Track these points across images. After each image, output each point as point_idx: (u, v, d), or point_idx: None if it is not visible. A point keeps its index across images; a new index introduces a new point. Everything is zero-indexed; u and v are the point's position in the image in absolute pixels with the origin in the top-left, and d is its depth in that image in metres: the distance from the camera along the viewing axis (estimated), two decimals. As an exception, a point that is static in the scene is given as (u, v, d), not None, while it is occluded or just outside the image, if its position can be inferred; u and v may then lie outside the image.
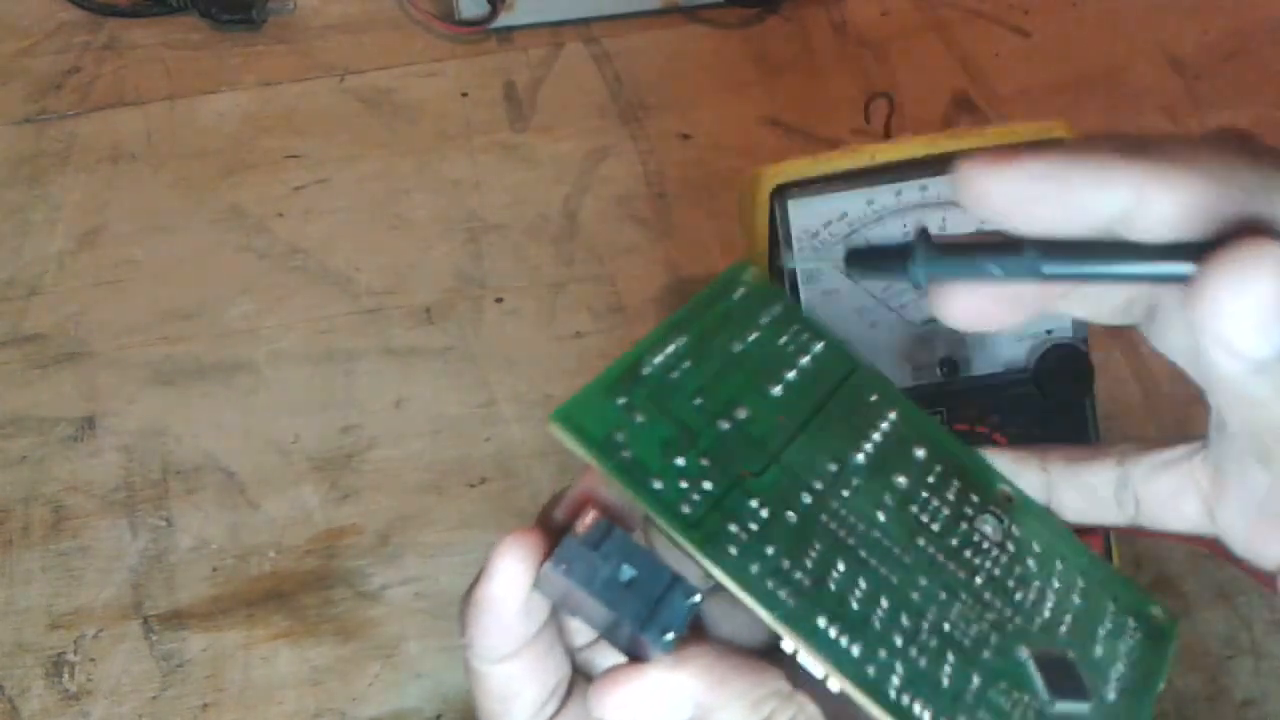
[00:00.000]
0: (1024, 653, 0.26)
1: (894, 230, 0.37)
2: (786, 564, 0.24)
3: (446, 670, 0.39)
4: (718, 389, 0.26)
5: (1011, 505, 0.28)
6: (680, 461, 0.25)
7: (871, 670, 0.24)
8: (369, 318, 0.44)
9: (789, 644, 0.24)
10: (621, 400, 0.25)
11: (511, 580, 0.24)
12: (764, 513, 0.25)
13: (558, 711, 0.26)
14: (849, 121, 0.49)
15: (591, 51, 0.50)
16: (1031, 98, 0.50)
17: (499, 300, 0.45)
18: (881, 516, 0.26)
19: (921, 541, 0.26)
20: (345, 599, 0.40)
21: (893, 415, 0.28)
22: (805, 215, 0.37)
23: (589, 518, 0.24)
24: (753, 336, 0.28)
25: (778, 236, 0.37)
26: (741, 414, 0.26)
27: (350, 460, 0.42)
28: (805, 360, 0.28)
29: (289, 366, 0.43)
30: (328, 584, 0.40)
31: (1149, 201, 0.20)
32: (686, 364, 0.26)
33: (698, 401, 0.26)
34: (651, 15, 0.51)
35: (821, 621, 0.24)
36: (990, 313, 0.24)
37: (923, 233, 0.24)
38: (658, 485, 0.24)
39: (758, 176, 0.37)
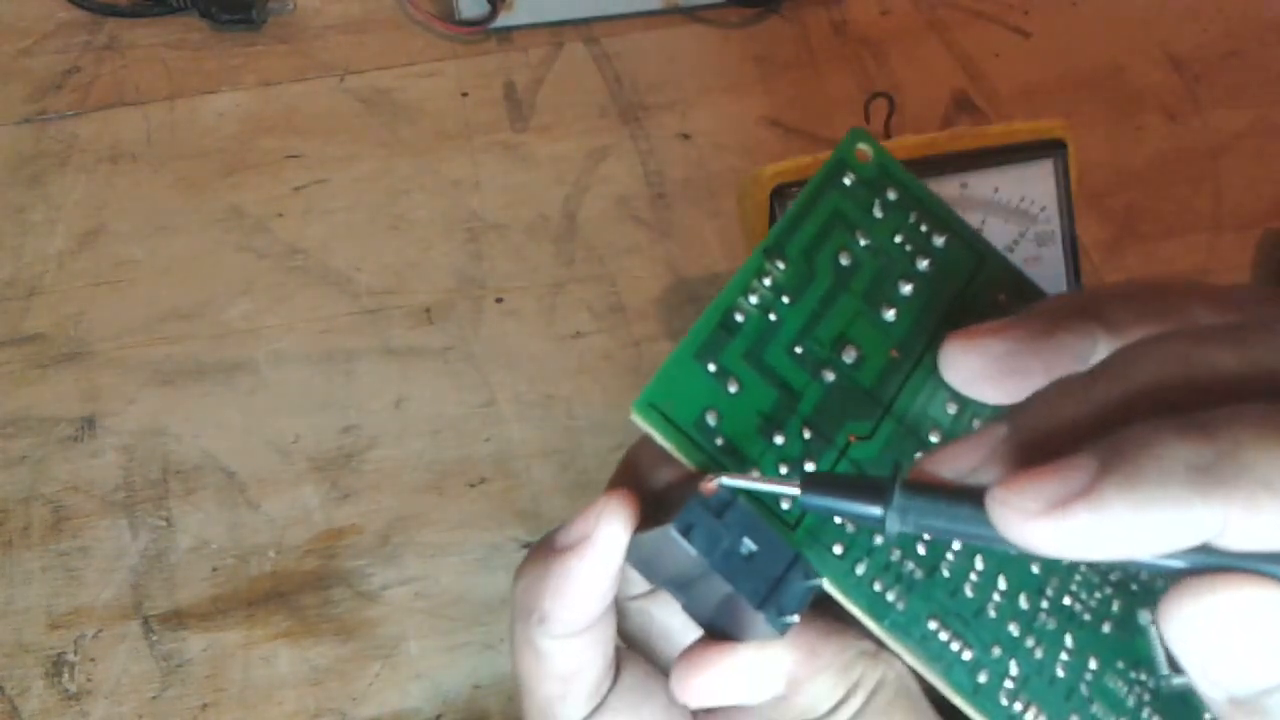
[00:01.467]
0: (1146, 617, 0.24)
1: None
2: (896, 554, 0.23)
3: (446, 670, 0.39)
4: (823, 325, 0.24)
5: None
6: (779, 440, 0.23)
7: (984, 677, 0.23)
8: (369, 318, 0.44)
9: (895, 647, 0.22)
10: (713, 366, 0.23)
11: (613, 545, 0.22)
12: None
13: (612, 686, 0.24)
14: (849, 121, 0.49)
15: (591, 51, 0.50)
16: (1031, 98, 0.50)
17: (499, 300, 0.45)
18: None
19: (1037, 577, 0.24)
20: (345, 599, 0.40)
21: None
22: (805, 215, 0.37)
23: (714, 481, 0.21)
24: (864, 242, 0.25)
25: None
26: (849, 356, 0.24)
27: (350, 460, 0.42)
28: (924, 264, 0.25)
29: (289, 366, 0.43)
30: (328, 584, 0.40)
31: (1233, 528, 0.17)
32: (786, 299, 0.24)
33: (799, 349, 0.23)
34: (651, 15, 0.51)
35: (933, 625, 0.22)
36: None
37: (898, 473, 0.20)
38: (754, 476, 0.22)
39: (758, 176, 0.37)
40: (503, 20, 0.50)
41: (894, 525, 0.20)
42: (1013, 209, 0.38)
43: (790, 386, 0.23)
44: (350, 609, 0.40)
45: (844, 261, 0.24)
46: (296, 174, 0.47)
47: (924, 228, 0.25)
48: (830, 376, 0.24)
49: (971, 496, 0.19)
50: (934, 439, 0.24)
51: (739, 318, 0.23)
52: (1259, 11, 0.53)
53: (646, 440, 0.23)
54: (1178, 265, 0.47)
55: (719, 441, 0.22)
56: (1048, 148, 0.38)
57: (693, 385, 0.23)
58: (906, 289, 0.25)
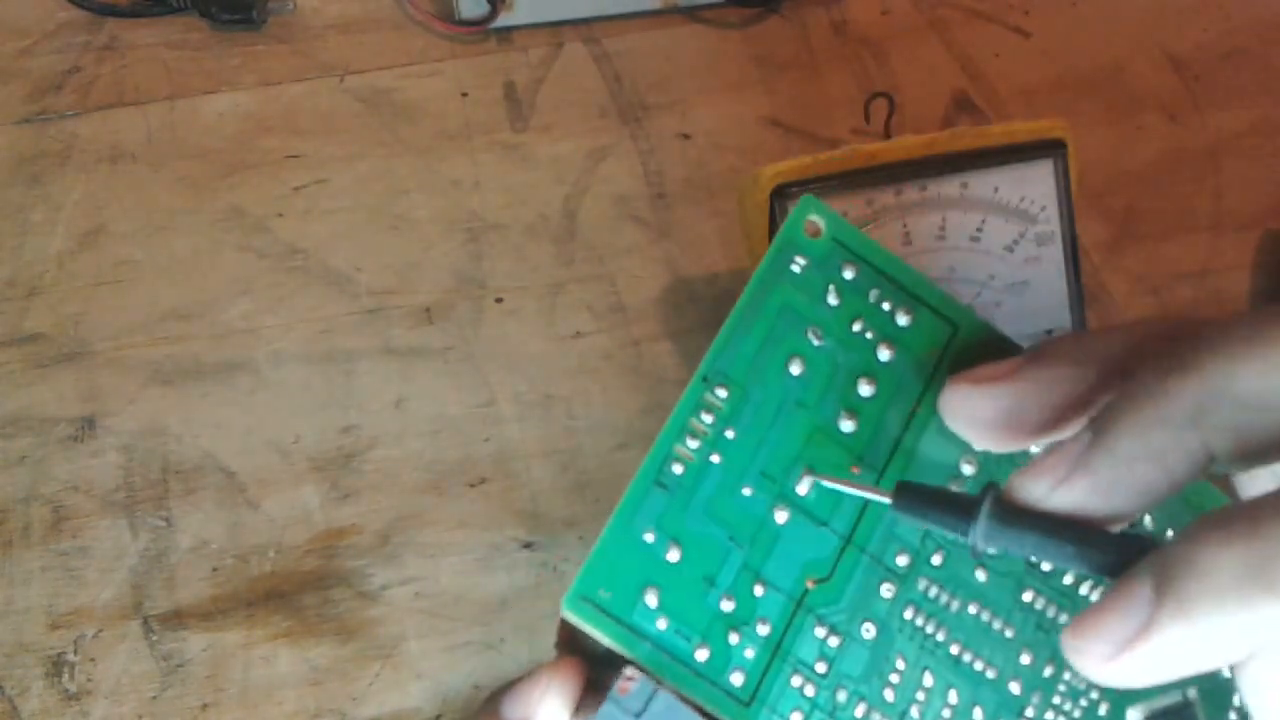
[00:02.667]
0: (1136, 715, 0.23)
1: (894, 231, 0.37)
2: (861, 710, 0.21)
3: (446, 670, 0.39)
4: (774, 455, 0.22)
5: None
6: (729, 606, 0.21)
7: None
8: (369, 318, 0.44)
9: None
10: (650, 536, 0.21)
11: None
12: (833, 642, 0.22)
13: None
14: (849, 121, 0.49)
15: (591, 51, 0.50)
16: (1031, 98, 0.50)
17: (499, 300, 0.45)
18: (981, 577, 0.23)
19: (1029, 595, 0.23)
20: (345, 599, 0.40)
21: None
22: (805, 215, 0.37)
23: (633, 680, 0.21)
24: (817, 342, 0.23)
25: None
26: (804, 487, 0.22)
27: (350, 460, 0.42)
28: (886, 355, 0.23)
29: (289, 366, 0.43)
30: (328, 584, 0.40)
31: None
32: (730, 433, 0.22)
33: (748, 490, 0.22)
34: (651, 15, 0.51)
35: None
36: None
37: (993, 492, 0.20)
38: (701, 657, 0.21)
39: (758, 176, 0.37)
40: (503, 20, 0.50)
41: (980, 545, 0.20)
42: (1013, 209, 0.38)
43: (738, 539, 0.22)
44: (350, 609, 0.40)
45: (795, 371, 0.22)
46: (296, 174, 0.47)
47: (886, 305, 0.23)
48: (783, 517, 0.22)
49: (1054, 525, 0.19)
50: (901, 562, 0.22)
51: (677, 470, 0.22)
52: (1259, 11, 0.53)
53: None
54: (1178, 265, 0.47)
55: (661, 624, 0.21)
56: (1048, 148, 0.38)
57: (628, 565, 0.21)
58: (867, 390, 0.23)
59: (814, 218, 0.23)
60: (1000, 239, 0.38)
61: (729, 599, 0.21)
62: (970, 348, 0.24)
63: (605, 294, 0.45)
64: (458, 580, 0.40)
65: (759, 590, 0.21)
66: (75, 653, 0.39)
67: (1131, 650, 0.18)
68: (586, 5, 0.50)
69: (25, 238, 0.45)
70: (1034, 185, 0.38)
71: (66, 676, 0.38)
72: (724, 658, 0.21)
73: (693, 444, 0.22)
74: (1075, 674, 0.23)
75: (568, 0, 0.50)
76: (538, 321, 0.45)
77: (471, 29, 0.50)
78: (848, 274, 0.23)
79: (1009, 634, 0.23)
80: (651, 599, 0.21)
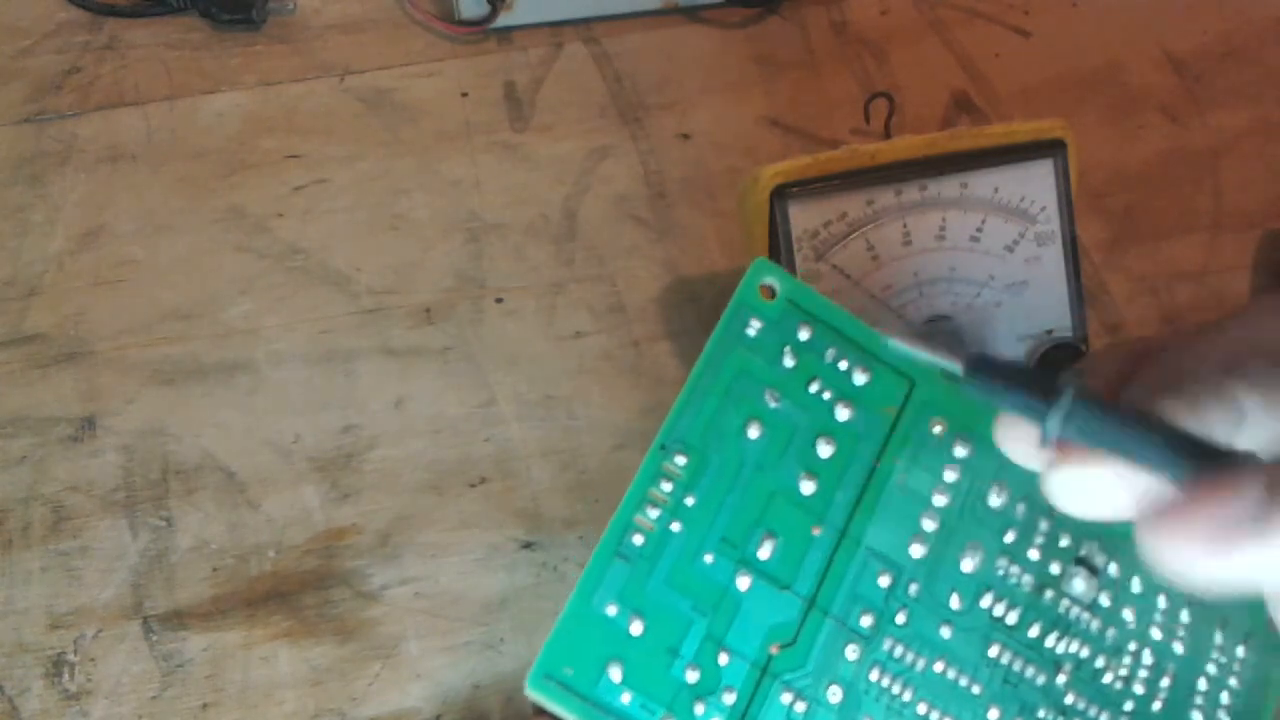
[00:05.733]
0: None
1: (894, 231, 0.37)
2: None
3: (446, 670, 0.39)
4: (735, 520, 0.22)
5: (1105, 529, 0.24)
6: (693, 676, 0.21)
7: None
8: (369, 318, 0.44)
9: None
10: (613, 609, 0.21)
11: None
12: (799, 708, 0.21)
13: None
14: (849, 121, 0.49)
15: (591, 51, 0.50)
16: (1031, 98, 0.50)
17: (499, 300, 0.45)
18: (946, 634, 0.22)
19: (995, 650, 0.23)
20: (345, 599, 0.40)
21: (961, 450, 0.23)
22: (805, 215, 0.37)
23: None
24: (774, 405, 0.23)
25: (778, 237, 0.37)
26: (766, 551, 0.22)
27: (350, 460, 0.42)
28: (845, 415, 0.23)
29: (289, 366, 0.43)
30: (328, 584, 0.40)
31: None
32: (690, 500, 0.22)
33: (708, 559, 0.22)
34: (651, 15, 0.51)
35: None
36: (1109, 501, 0.19)
37: (1079, 384, 0.19)
38: None
39: (758, 176, 0.37)
40: (503, 20, 0.50)
41: (1055, 428, 0.18)
42: (1013, 209, 0.38)
43: (701, 608, 0.21)
44: (350, 609, 0.40)
45: (753, 434, 0.22)
46: (296, 174, 0.47)
47: (843, 365, 0.23)
48: (745, 583, 0.22)
49: (1137, 420, 0.18)
50: (865, 623, 0.22)
51: (637, 540, 0.21)
52: (1259, 11, 0.53)
53: None
54: (1178, 265, 0.47)
55: (625, 698, 0.21)
56: (1048, 148, 0.38)
57: (590, 640, 0.21)
58: (826, 451, 0.23)
59: (768, 280, 0.23)
60: (1000, 239, 0.38)
61: (694, 669, 0.21)
62: (930, 402, 0.23)
63: (605, 294, 0.45)
64: (458, 580, 0.40)
65: (723, 659, 0.21)
66: (75, 653, 0.39)
67: (1244, 541, 0.16)
68: (586, 5, 0.50)
69: (25, 238, 0.45)
70: (1034, 185, 0.38)
71: (66, 676, 0.38)
72: None
73: (653, 513, 0.22)
74: None
75: (568, 0, 0.50)
76: (538, 321, 0.45)
77: (471, 29, 0.50)
78: (803, 335, 0.23)
79: (976, 690, 0.22)
80: (615, 673, 0.21)
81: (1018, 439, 0.20)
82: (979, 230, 0.38)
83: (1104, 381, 0.20)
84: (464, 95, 0.49)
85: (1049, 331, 0.38)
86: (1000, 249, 0.38)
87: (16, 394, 0.42)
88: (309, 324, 0.44)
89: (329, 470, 0.42)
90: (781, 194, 0.36)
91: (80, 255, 0.45)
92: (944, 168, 0.37)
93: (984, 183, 0.37)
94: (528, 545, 0.41)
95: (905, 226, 0.37)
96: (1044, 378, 0.19)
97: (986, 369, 0.19)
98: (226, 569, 0.40)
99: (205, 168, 0.47)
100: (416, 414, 0.43)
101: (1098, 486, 0.19)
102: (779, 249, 0.37)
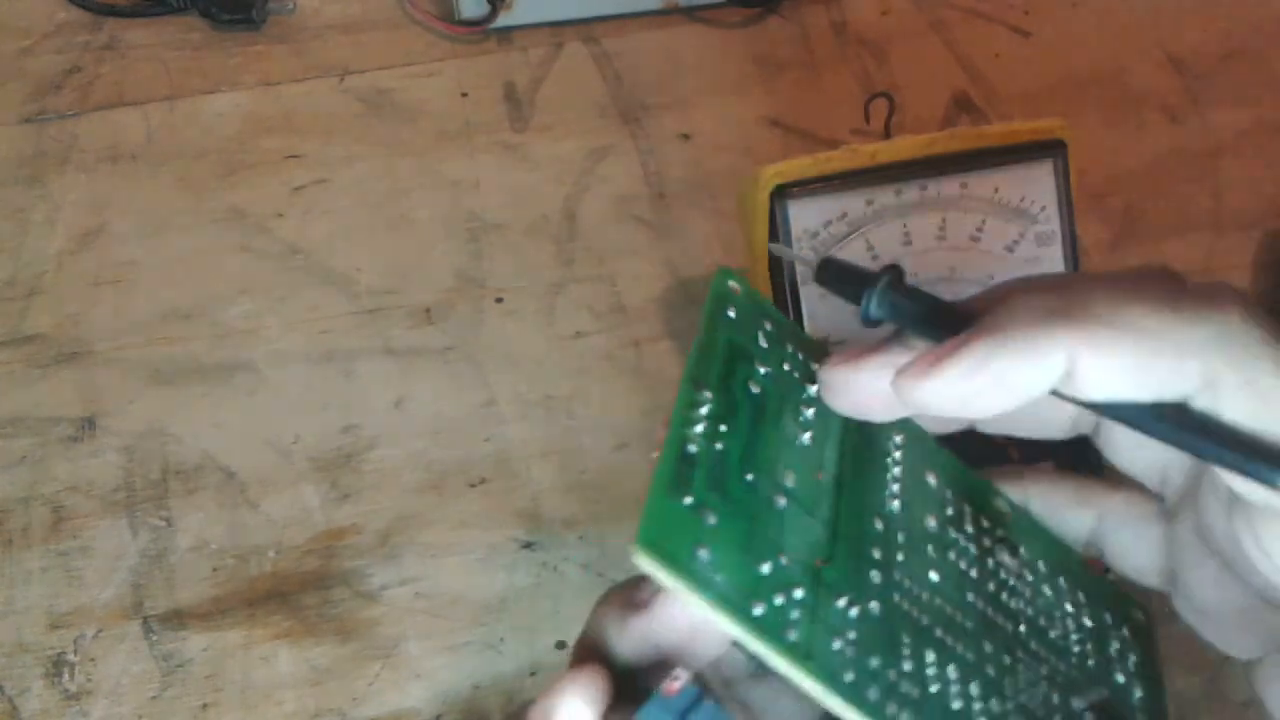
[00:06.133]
0: (1080, 704, 0.25)
1: (894, 231, 0.37)
2: (893, 675, 0.22)
3: (446, 670, 0.39)
4: (759, 452, 0.23)
5: (1009, 521, 0.26)
6: (766, 568, 0.22)
7: None
8: (369, 318, 0.44)
9: None
10: (688, 500, 0.22)
11: None
12: (853, 613, 0.23)
13: None
14: (849, 121, 0.49)
15: (591, 51, 0.50)
16: (1031, 98, 0.50)
17: (499, 300, 0.45)
18: (934, 576, 0.24)
19: (970, 596, 0.25)
20: (345, 599, 0.40)
21: (898, 436, 0.26)
22: (805, 215, 0.37)
23: (680, 680, 0.21)
24: (763, 370, 0.25)
25: (778, 237, 0.37)
26: (790, 481, 0.23)
27: (350, 460, 0.42)
28: (812, 389, 0.25)
29: (289, 366, 0.43)
30: (328, 584, 0.40)
31: (1082, 366, 0.20)
32: (723, 426, 0.23)
33: (749, 477, 0.23)
34: (651, 15, 0.51)
35: None
36: (884, 405, 0.23)
37: (892, 268, 0.23)
38: (758, 611, 0.21)
39: (758, 176, 0.37)
40: (503, 20, 0.50)
41: (872, 308, 0.23)
42: (1013, 209, 0.38)
43: (756, 516, 0.23)
44: (350, 609, 0.40)
45: (754, 390, 0.24)
46: (296, 174, 0.47)
47: (801, 355, 0.26)
48: (782, 502, 0.23)
49: (931, 301, 0.23)
50: (877, 555, 0.24)
51: (693, 449, 0.23)
52: (1259, 11, 0.53)
53: (605, 615, 0.23)
54: (1178, 265, 0.47)
55: (719, 579, 0.21)
56: (1048, 148, 0.38)
57: (680, 521, 0.21)
58: (808, 412, 0.25)
59: (732, 283, 0.26)
60: (1000, 239, 0.38)
61: (765, 562, 0.22)
62: None
63: (605, 294, 0.45)
64: (458, 580, 0.40)
65: (784, 560, 0.22)
66: (75, 653, 0.39)
67: (940, 366, 0.21)
68: (586, 5, 0.50)
69: (25, 238, 0.45)
70: (1034, 185, 0.38)
71: (66, 676, 0.38)
72: (777, 618, 0.21)
73: (697, 429, 0.23)
74: (1026, 666, 0.25)
75: (568, 0, 0.50)
76: (538, 321, 0.45)
77: (471, 29, 0.50)
78: (767, 326, 0.26)
79: (969, 625, 0.24)
80: (704, 553, 0.21)
81: (848, 392, 0.24)
82: (979, 230, 0.38)
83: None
84: (464, 95, 0.49)
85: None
86: (1000, 249, 0.38)
87: (16, 394, 0.42)
88: (309, 324, 0.44)
89: (329, 470, 0.42)
90: (781, 194, 0.36)
91: (80, 255, 0.45)
92: (944, 168, 0.37)
93: (984, 183, 0.37)
94: (528, 545, 0.41)
95: (905, 226, 0.37)
96: (866, 276, 0.23)
97: (826, 269, 0.24)
98: (226, 569, 0.40)
99: (205, 168, 0.47)
100: (416, 414, 0.43)
101: (858, 383, 0.23)
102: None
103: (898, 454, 0.26)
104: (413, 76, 0.49)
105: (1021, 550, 0.26)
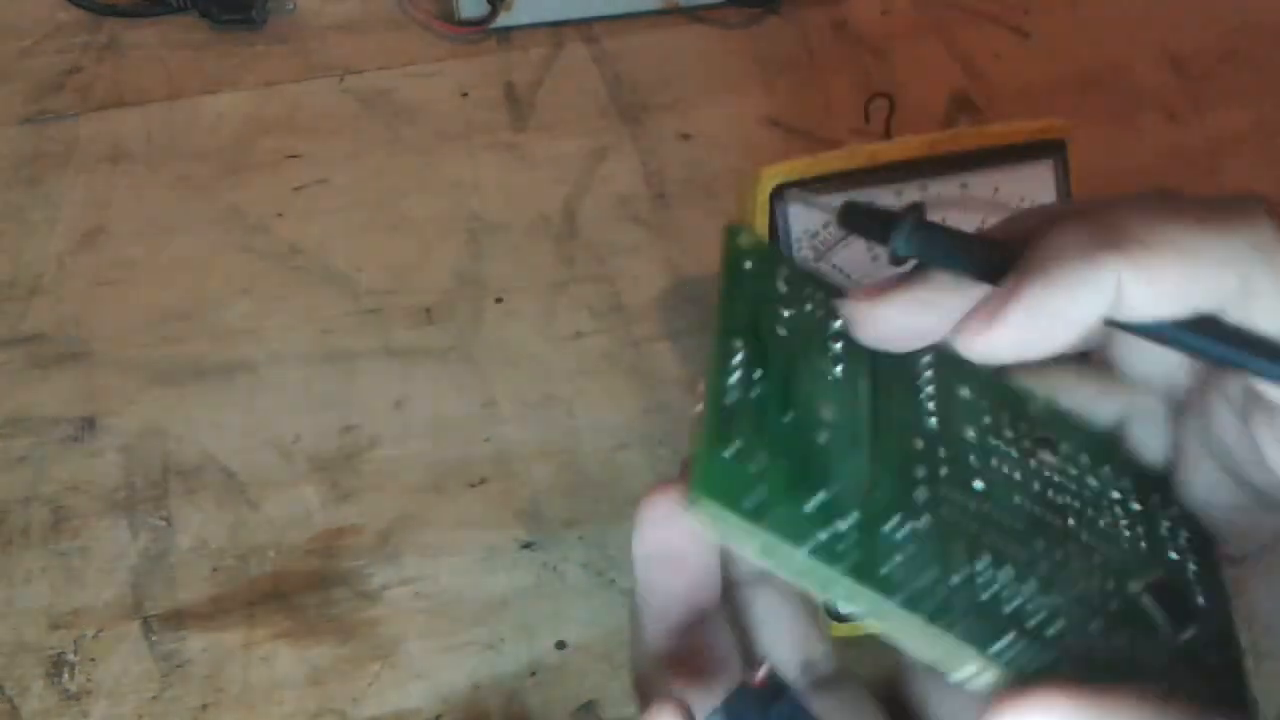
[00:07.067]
0: (1137, 586, 0.25)
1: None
2: (952, 583, 0.23)
3: (446, 670, 0.39)
4: (795, 392, 0.25)
5: (1045, 419, 0.27)
6: (819, 498, 0.23)
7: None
8: (369, 318, 0.44)
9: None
10: (737, 445, 0.23)
11: None
12: (903, 532, 0.24)
13: None
14: (849, 121, 0.49)
15: (591, 51, 0.50)
16: (1031, 98, 0.50)
17: (499, 300, 0.45)
18: (980, 484, 0.25)
19: (1018, 499, 0.26)
20: (345, 599, 0.40)
21: (926, 358, 0.27)
22: (805, 215, 0.37)
23: (764, 671, 0.22)
24: (787, 313, 0.26)
25: (778, 237, 0.37)
26: (827, 414, 0.25)
27: (350, 460, 0.42)
28: (838, 324, 0.26)
29: (289, 366, 0.43)
30: (328, 584, 0.40)
31: (1131, 290, 0.20)
32: (758, 373, 0.24)
33: (788, 417, 0.24)
34: (651, 15, 0.51)
35: (1021, 645, 0.23)
36: (921, 329, 0.24)
37: (915, 207, 0.24)
38: (822, 537, 0.22)
39: (758, 176, 0.37)
40: (503, 20, 0.50)
41: (900, 246, 0.23)
42: (1013, 209, 0.38)
43: (801, 453, 0.24)
44: (350, 609, 0.40)
45: (782, 332, 0.25)
46: (296, 174, 0.47)
47: (822, 294, 0.26)
48: (824, 436, 0.24)
49: (962, 235, 0.23)
50: (920, 473, 0.25)
51: (732, 398, 0.24)
52: (1259, 12, 0.53)
53: (652, 604, 0.24)
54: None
55: (776, 512, 0.22)
56: (1048, 148, 0.38)
57: (729, 468, 0.23)
58: (836, 346, 0.26)
59: (743, 237, 0.26)
60: (1000, 239, 0.38)
61: (819, 495, 0.23)
62: None
63: (605, 294, 0.45)
64: (458, 580, 0.40)
65: (835, 489, 0.23)
66: (75, 653, 0.39)
67: (1002, 316, 0.21)
68: (586, 5, 0.50)
69: (25, 238, 0.45)
70: (1034, 185, 0.38)
71: (66, 676, 0.38)
72: (835, 542, 0.23)
73: (733, 379, 0.24)
74: (1079, 559, 0.25)
75: (568, 0, 0.50)
76: (538, 321, 0.45)
77: (471, 29, 0.50)
78: (784, 270, 0.26)
79: (1019, 527, 0.25)
80: (760, 493, 0.22)
81: (880, 323, 0.24)
82: (979, 230, 0.38)
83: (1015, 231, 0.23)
84: (464, 95, 0.49)
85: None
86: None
87: (16, 394, 0.42)
88: (309, 324, 0.44)
89: (329, 470, 0.42)
90: (781, 194, 0.36)
91: (80, 255, 0.45)
92: (944, 168, 0.37)
93: (984, 183, 0.37)
94: (528, 545, 0.41)
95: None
96: (891, 214, 0.23)
97: (849, 213, 0.24)
98: (226, 569, 0.40)
99: (205, 168, 0.47)
100: (416, 414, 0.43)
101: (884, 318, 0.24)
102: (779, 249, 0.37)
103: (928, 374, 0.26)
104: (413, 76, 0.49)
105: (1063, 446, 0.27)
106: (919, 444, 0.25)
